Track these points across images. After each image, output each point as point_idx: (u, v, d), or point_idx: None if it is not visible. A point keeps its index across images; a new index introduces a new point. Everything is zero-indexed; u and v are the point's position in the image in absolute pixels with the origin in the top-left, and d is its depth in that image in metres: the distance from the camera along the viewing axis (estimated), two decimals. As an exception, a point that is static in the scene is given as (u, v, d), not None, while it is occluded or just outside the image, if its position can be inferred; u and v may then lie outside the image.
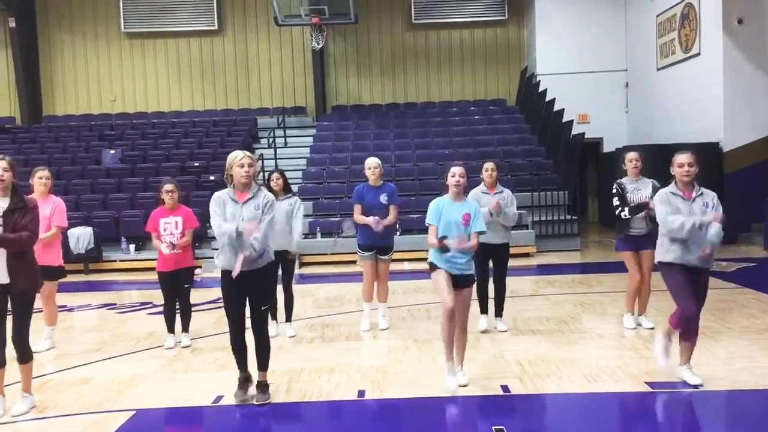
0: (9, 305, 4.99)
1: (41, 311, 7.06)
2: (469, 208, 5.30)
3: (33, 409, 5.15)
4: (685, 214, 5.04)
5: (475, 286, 6.80)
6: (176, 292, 6.92)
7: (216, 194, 5.14)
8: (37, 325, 7.12)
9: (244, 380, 5.24)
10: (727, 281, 9.50)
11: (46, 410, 5.17)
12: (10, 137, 18.49)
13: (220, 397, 5.29)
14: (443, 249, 5.12)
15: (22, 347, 5.01)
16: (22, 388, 5.14)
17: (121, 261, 13.25)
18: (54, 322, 7.13)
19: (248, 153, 5.13)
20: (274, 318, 7.23)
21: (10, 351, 4.98)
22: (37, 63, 20.13)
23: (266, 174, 7.66)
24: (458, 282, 5.25)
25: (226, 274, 5.08)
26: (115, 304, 9.66)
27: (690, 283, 5.09)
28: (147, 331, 7.69)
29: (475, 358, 6.15)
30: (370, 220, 7.03)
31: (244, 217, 4.97)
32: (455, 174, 5.28)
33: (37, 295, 6.85)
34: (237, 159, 5.02)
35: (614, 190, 6.77)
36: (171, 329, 6.98)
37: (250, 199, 5.05)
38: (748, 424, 4.69)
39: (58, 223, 6.80)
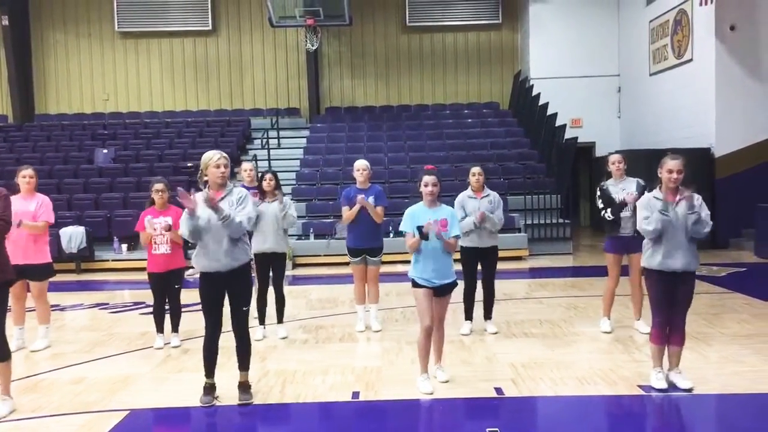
0: None
1: (33, 310, 7.05)
2: (444, 214, 5.36)
3: (21, 411, 5.13)
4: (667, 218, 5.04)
5: (462, 292, 6.89)
6: (167, 292, 6.93)
7: (194, 197, 5.07)
8: (30, 324, 7.15)
9: (210, 387, 5.23)
10: (718, 286, 9.55)
11: (40, 410, 5.16)
12: (2, 135, 18.40)
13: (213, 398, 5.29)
14: (424, 237, 5.15)
15: None
16: (1, 391, 5.06)
17: (113, 261, 13.22)
18: (48, 320, 7.10)
19: (223, 153, 5.10)
20: (262, 322, 7.23)
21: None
22: (29, 61, 20.05)
23: (259, 174, 7.68)
24: (440, 292, 5.34)
25: (205, 275, 5.10)
26: (107, 304, 9.63)
27: (669, 292, 5.13)
28: (139, 331, 7.67)
29: (469, 360, 6.18)
30: (356, 207, 7.06)
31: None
32: (428, 183, 5.33)
33: (28, 294, 6.89)
34: (213, 159, 5.01)
35: (597, 193, 6.89)
36: (160, 329, 7.00)
37: (225, 196, 5.05)
38: (739, 427, 4.72)
39: (45, 218, 6.78)
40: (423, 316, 5.30)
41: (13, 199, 6.57)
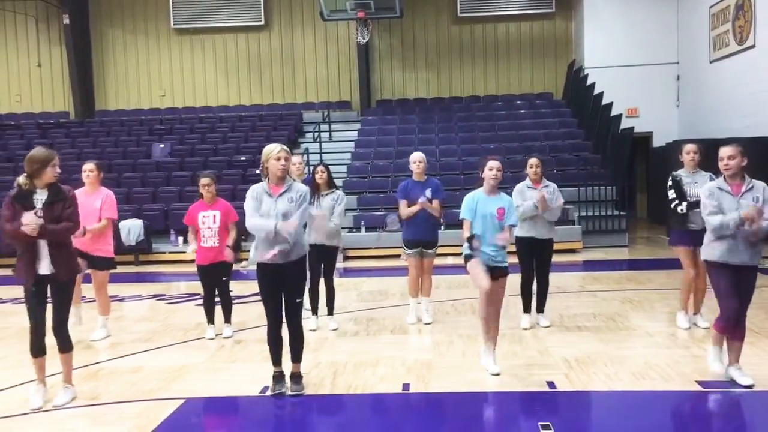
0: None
1: (94, 301, 7.27)
2: (503, 202, 5.36)
3: (82, 398, 5.29)
4: (730, 210, 4.90)
5: (519, 285, 6.85)
6: (216, 284, 7.04)
7: (252, 188, 5.16)
8: (91, 314, 7.38)
9: (279, 375, 5.28)
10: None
11: (100, 397, 5.32)
12: (64, 132, 19.01)
13: (266, 388, 5.35)
14: (471, 247, 5.16)
15: (63, 336, 5.10)
16: (63, 379, 5.24)
17: (170, 253, 13.51)
18: (107, 312, 7.30)
19: (284, 146, 5.13)
20: (315, 312, 7.29)
21: (50, 340, 5.08)
22: (90, 59, 20.62)
23: (311, 167, 7.70)
24: (492, 273, 5.26)
25: (261, 267, 5.15)
26: (164, 295, 9.87)
27: (734, 284, 4.98)
28: (195, 321, 7.82)
29: (521, 354, 6.12)
30: (416, 207, 7.03)
31: (278, 211, 5.01)
32: (493, 168, 5.33)
33: (90, 285, 7.09)
34: (274, 152, 5.04)
35: (669, 183, 6.60)
36: (211, 320, 7.11)
37: (284, 192, 5.08)
38: (803, 426, 4.56)
39: (109, 215, 6.94)
40: (479, 281, 5.12)
41: (78, 193, 6.79)
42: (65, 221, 4.97)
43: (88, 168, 6.98)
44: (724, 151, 5.00)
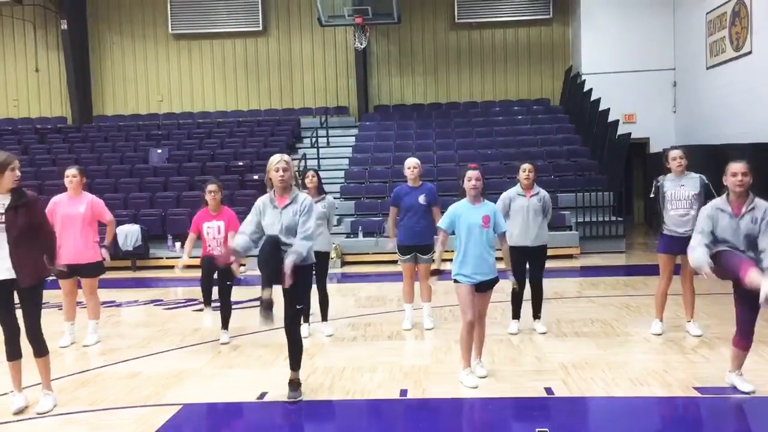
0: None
1: (84, 306, 7.24)
2: (487, 210, 5.41)
3: (79, 404, 5.28)
4: (730, 232, 4.82)
5: (509, 291, 6.85)
6: (218, 288, 7.03)
7: (259, 199, 5.22)
8: (82, 321, 7.35)
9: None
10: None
11: (97, 403, 5.30)
12: (61, 137, 18.99)
13: (264, 394, 5.36)
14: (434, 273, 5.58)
15: (37, 341, 5.05)
16: (43, 386, 5.18)
17: (167, 258, 13.50)
18: (98, 316, 7.28)
19: (285, 157, 5.14)
20: (306, 320, 7.26)
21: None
22: (87, 64, 20.62)
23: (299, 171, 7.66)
24: (482, 287, 5.43)
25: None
26: (161, 301, 9.84)
27: (752, 295, 4.80)
28: (193, 327, 7.82)
29: (519, 360, 6.12)
30: (389, 246, 7.45)
31: (283, 223, 5.03)
32: (471, 178, 5.37)
33: (80, 291, 7.07)
34: (273, 163, 5.10)
35: (653, 191, 6.66)
36: (207, 302, 7.05)
37: (289, 204, 5.10)
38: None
39: (108, 218, 7.03)
40: (465, 311, 5.37)
41: (61, 198, 6.81)
42: (37, 229, 4.90)
43: (71, 173, 6.96)
44: (738, 167, 4.77)
